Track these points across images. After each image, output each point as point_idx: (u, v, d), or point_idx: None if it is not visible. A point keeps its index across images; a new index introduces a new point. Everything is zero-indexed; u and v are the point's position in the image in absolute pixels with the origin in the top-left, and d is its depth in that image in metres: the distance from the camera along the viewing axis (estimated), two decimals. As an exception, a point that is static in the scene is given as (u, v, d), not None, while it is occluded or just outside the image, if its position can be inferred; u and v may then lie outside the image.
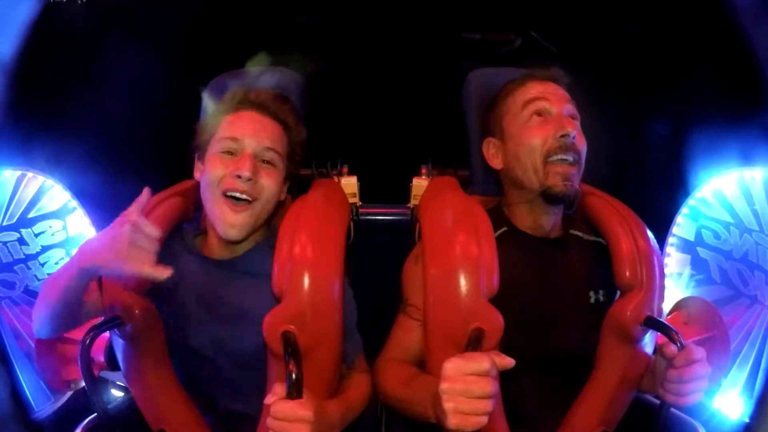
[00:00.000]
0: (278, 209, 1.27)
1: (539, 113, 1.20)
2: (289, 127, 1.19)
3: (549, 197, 1.18)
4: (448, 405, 0.85)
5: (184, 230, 1.25)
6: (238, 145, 1.12)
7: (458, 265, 1.07)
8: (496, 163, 1.26)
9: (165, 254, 1.18)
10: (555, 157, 1.16)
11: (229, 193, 1.10)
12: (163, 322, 1.16)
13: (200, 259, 1.20)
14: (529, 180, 1.19)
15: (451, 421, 0.85)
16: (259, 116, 1.16)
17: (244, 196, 1.10)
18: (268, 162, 1.14)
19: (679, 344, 1.03)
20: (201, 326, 1.16)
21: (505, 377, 0.89)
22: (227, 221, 1.10)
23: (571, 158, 1.16)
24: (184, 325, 1.17)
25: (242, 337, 1.14)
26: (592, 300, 1.21)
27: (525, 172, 1.19)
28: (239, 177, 1.09)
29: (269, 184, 1.13)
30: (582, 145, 1.19)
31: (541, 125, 1.18)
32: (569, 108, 1.21)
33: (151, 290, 1.15)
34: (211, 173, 1.12)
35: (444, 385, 0.86)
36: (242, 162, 1.10)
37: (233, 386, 1.18)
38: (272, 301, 1.08)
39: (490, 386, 0.84)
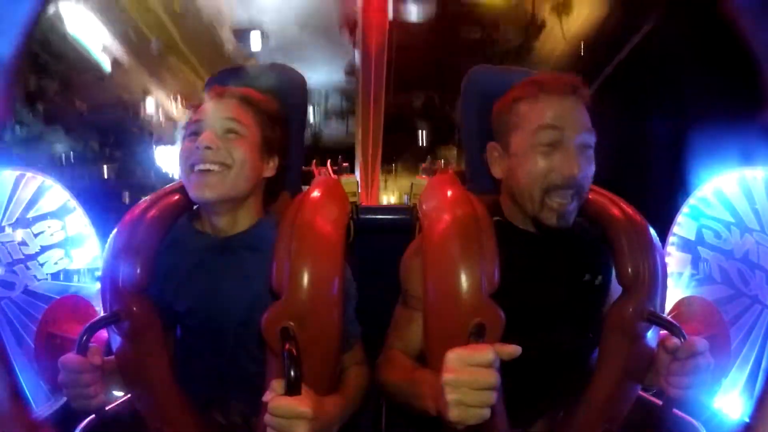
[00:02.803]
0: (275, 199, 1.28)
1: (551, 144, 1.12)
2: (253, 102, 1.21)
3: (540, 227, 1.17)
4: (450, 396, 0.84)
5: (185, 216, 1.26)
6: (198, 125, 1.16)
7: (459, 261, 1.07)
8: (497, 172, 1.23)
9: (170, 242, 1.20)
10: (554, 192, 1.12)
11: (196, 167, 1.12)
12: (163, 315, 1.17)
13: (200, 236, 1.21)
14: (524, 204, 1.17)
15: (453, 413, 0.84)
16: (219, 99, 1.20)
17: (208, 167, 1.12)
18: (231, 131, 1.16)
19: (681, 339, 1.03)
20: (202, 301, 1.17)
21: (505, 371, 0.88)
22: (198, 187, 1.12)
23: (571, 193, 1.12)
24: (185, 301, 1.18)
25: (245, 308, 1.14)
26: (587, 278, 1.20)
27: (522, 195, 1.16)
28: (200, 149, 1.12)
29: (237, 151, 1.14)
30: (587, 179, 1.15)
31: (549, 155, 1.12)
32: (584, 137, 1.13)
33: (153, 272, 1.16)
34: (180, 155, 1.17)
35: (447, 376, 0.85)
36: (202, 136, 1.13)
37: (234, 371, 1.18)
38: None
39: (494, 378, 0.83)
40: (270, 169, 1.23)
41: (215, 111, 1.17)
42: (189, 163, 1.13)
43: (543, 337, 1.17)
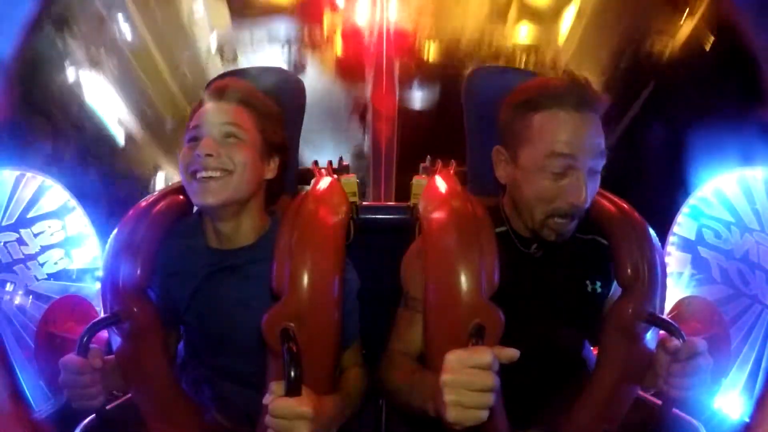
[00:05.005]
0: (277, 199, 1.28)
1: (561, 171, 1.09)
2: (252, 104, 1.19)
3: (537, 239, 1.18)
4: (449, 397, 0.84)
5: (185, 222, 1.26)
6: (198, 131, 1.15)
7: (459, 262, 1.07)
8: (502, 177, 1.21)
9: (168, 246, 1.20)
10: (557, 216, 1.12)
11: (198, 175, 1.11)
12: (166, 314, 1.17)
13: (203, 249, 1.21)
14: (525, 216, 1.17)
15: (451, 414, 0.84)
16: (218, 102, 1.18)
17: (210, 174, 1.11)
18: (230, 135, 1.15)
19: (681, 340, 1.03)
20: (205, 316, 1.17)
21: (504, 374, 0.89)
22: (200, 194, 1.12)
23: (572, 217, 1.12)
24: (187, 314, 1.18)
25: (245, 327, 1.14)
26: (589, 289, 1.21)
27: (524, 210, 1.16)
28: (201, 157, 1.11)
29: (238, 156, 1.13)
30: (591, 200, 1.12)
31: (558, 180, 1.10)
32: (596, 162, 1.10)
33: (154, 280, 1.16)
34: (181, 161, 1.15)
35: (445, 377, 0.85)
36: (202, 143, 1.12)
37: (234, 381, 1.18)
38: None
39: (492, 380, 0.84)
40: (271, 170, 1.22)
41: (214, 115, 1.16)
42: (190, 170, 1.12)
43: (547, 340, 1.18)
